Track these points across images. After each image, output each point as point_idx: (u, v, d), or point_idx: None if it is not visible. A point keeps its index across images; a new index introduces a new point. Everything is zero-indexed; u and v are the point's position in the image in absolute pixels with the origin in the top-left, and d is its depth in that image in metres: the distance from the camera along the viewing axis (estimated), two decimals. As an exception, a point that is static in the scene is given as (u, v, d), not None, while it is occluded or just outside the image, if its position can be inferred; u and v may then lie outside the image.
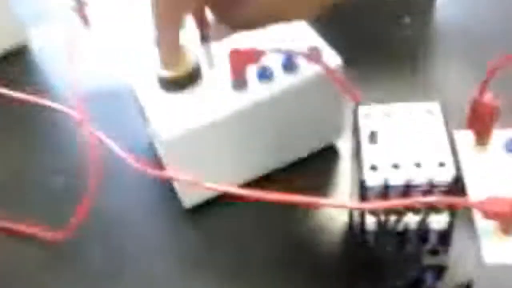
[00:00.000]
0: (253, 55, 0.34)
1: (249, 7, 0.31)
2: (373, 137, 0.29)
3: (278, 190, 0.29)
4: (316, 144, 0.40)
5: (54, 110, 0.44)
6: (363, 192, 0.27)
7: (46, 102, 0.44)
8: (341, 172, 0.39)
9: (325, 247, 0.36)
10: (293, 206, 0.36)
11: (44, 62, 0.52)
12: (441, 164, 0.27)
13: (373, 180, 0.27)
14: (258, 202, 0.35)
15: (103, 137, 0.35)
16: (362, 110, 0.30)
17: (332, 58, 0.35)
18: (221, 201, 0.38)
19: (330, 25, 0.39)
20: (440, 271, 0.30)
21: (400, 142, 0.28)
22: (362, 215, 0.28)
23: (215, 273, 0.35)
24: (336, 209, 0.37)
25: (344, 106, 0.38)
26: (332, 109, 0.38)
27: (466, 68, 0.43)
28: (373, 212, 0.28)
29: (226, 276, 0.35)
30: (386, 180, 0.27)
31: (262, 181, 0.38)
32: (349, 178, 0.36)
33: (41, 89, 0.47)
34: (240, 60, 0.34)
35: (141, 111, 0.38)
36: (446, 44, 0.47)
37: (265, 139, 0.37)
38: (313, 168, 0.39)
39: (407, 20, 0.48)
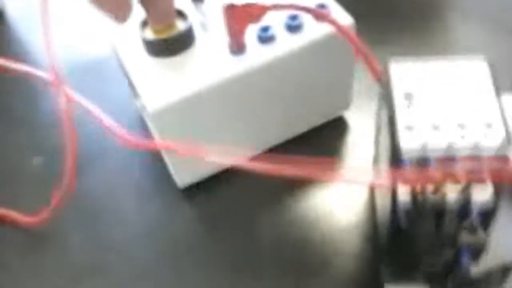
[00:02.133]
0: (252, 12, 0.29)
1: None
2: (408, 96, 0.25)
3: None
4: (324, 116, 0.36)
5: (31, 80, 0.38)
6: (396, 162, 0.23)
7: (21, 68, 0.38)
8: (349, 146, 0.35)
9: (342, 227, 0.32)
10: (299, 182, 0.33)
11: (20, 30, 0.48)
12: (489, 125, 0.23)
13: (409, 144, 0.23)
14: (259, 180, 0.31)
15: (83, 102, 0.30)
16: (395, 66, 0.26)
17: (343, 17, 0.31)
18: (217, 180, 0.34)
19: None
20: (478, 251, 0.26)
21: (439, 103, 0.24)
22: (392, 186, 0.24)
23: (213, 259, 0.32)
24: (351, 185, 0.33)
25: (354, 72, 0.34)
26: (342, 76, 0.34)
27: (489, 30, 0.39)
28: (407, 182, 0.23)
29: (225, 262, 0.31)
30: (423, 144, 0.23)
31: (262, 157, 0.34)
32: (360, 153, 0.32)
33: (17, 58, 0.43)
34: (237, 18, 0.29)
35: (128, 80, 0.33)
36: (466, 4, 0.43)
37: (267, 110, 0.33)
38: (321, 142, 0.35)
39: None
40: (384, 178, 0.25)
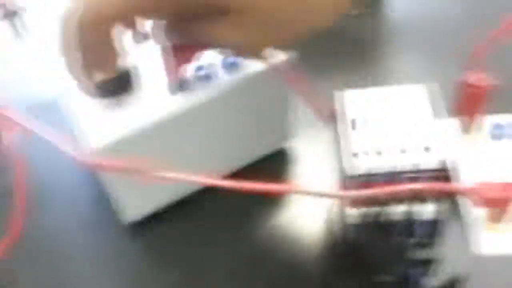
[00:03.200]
0: (188, 52, 0.30)
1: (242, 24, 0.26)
2: (355, 123, 0.27)
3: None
4: (265, 148, 0.37)
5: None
6: (345, 181, 0.25)
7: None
8: (296, 176, 0.37)
9: (298, 248, 0.33)
10: (249, 213, 0.34)
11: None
12: (428, 149, 0.25)
13: (355, 168, 0.25)
14: (207, 212, 0.33)
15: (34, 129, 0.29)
16: (343, 94, 0.28)
17: (277, 54, 0.32)
18: (163, 215, 0.35)
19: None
20: (428, 265, 0.28)
21: (383, 127, 0.26)
22: (342, 207, 0.26)
23: None
24: (304, 208, 0.34)
25: (292, 105, 0.35)
26: (280, 109, 0.35)
27: (423, 59, 0.41)
28: (355, 203, 0.25)
29: None
30: (368, 168, 0.25)
31: (208, 190, 0.35)
32: (304, 182, 0.33)
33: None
34: (174, 58, 0.30)
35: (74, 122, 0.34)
36: (401, 36, 0.45)
37: (207, 145, 0.34)
38: (264, 174, 0.36)
39: (359, 11, 0.46)
40: (333, 199, 0.26)
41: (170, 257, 0.34)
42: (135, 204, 0.34)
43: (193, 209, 0.35)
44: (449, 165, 0.29)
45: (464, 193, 0.26)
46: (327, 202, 0.32)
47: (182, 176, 0.26)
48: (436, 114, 0.27)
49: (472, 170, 0.28)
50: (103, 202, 0.35)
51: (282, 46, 0.27)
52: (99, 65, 0.30)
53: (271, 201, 0.35)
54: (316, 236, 0.33)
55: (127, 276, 0.33)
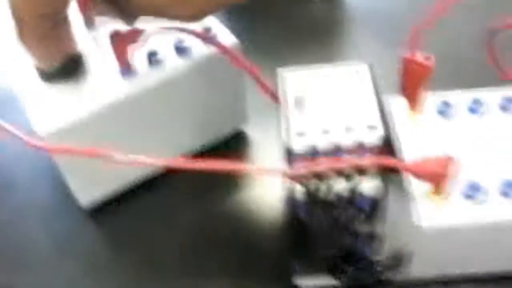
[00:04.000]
0: (136, 37, 0.30)
1: None
2: (298, 101, 0.27)
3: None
4: (221, 131, 0.37)
5: None
6: (290, 159, 0.25)
7: None
8: (253, 159, 0.37)
9: (257, 224, 0.34)
10: (205, 195, 0.35)
11: None
12: (370, 126, 0.26)
13: (300, 146, 0.25)
14: (163, 195, 0.35)
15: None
16: (285, 74, 0.28)
17: (227, 38, 0.33)
18: (121, 199, 0.35)
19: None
20: (373, 238, 0.28)
21: (325, 105, 0.27)
22: (289, 184, 0.26)
23: (127, 274, 0.33)
24: (264, 187, 0.35)
25: (245, 89, 0.36)
26: (233, 92, 0.36)
27: (372, 40, 0.42)
28: (301, 180, 0.26)
29: (138, 274, 0.33)
30: (313, 145, 0.25)
31: (165, 174, 0.36)
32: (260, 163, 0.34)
33: None
34: (122, 43, 0.30)
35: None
36: (356, 21, 0.46)
37: (160, 129, 0.34)
38: (219, 157, 0.37)
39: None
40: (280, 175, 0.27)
41: (128, 239, 0.34)
42: (91, 189, 0.34)
43: (150, 192, 0.36)
44: (393, 141, 0.30)
45: (403, 168, 0.27)
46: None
47: (137, 158, 0.26)
48: (379, 92, 0.27)
49: (417, 146, 0.30)
50: (62, 187, 0.35)
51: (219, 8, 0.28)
52: (44, 56, 0.30)
53: (228, 184, 0.36)
54: (273, 216, 0.34)
55: (87, 258, 0.34)
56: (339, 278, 0.29)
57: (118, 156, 0.26)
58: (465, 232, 0.28)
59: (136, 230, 0.35)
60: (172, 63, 0.32)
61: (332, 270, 0.29)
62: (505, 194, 0.28)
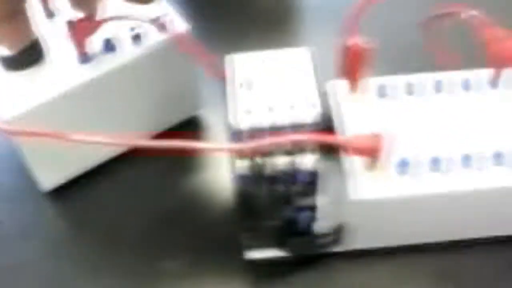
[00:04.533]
0: (90, 25, 0.32)
1: None
2: (244, 83, 0.29)
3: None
4: (176, 116, 0.39)
5: None
6: (235, 136, 0.27)
7: None
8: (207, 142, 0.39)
9: (212, 202, 0.36)
10: (163, 174, 0.37)
11: None
12: (310, 105, 0.28)
13: (244, 123, 0.27)
14: (122, 178, 0.36)
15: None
16: (233, 58, 0.30)
17: (180, 25, 0.35)
18: (81, 181, 0.37)
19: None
20: (313, 210, 0.30)
21: (269, 87, 0.29)
22: (233, 160, 0.28)
23: (87, 255, 0.34)
24: (218, 168, 0.37)
25: (198, 74, 0.37)
26: (187, 78, 0.37)
27: (326, 30, 0.44)
28: (247, 156, 0.28)
29: (98, 255, 0.34)
30: (257, 123, 0.27)
31: (123, 157, 0.37)
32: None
33: None
34: (78, 31, 0.32)
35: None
36: (305, 10, 0.47)
37: (118, 113, 0.36)
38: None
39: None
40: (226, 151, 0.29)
41: (88, 221, 0.36)
42: (52, 172, 0.36)
43: (109, 175, 0.37)
44: (331, 120, 0.32)
45: (339, 143, 0.29)
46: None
47: (93, 137, 0.28)
48: (319, 74, 0.29)
49: (357, 125, 0.31)
50: (23, 170, 0.36)
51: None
52: (2, 43, 0.32)
53: (184, 166, 0.37)
54: (226, 196, 0.35)
55: (48, 241, 0.35)
56: (285, 250, 0.31)
57: (76, 136, 0.28)
58: (398, 204, 0.29)
59: (96, 212, 0.36)
60: (127, 49, 0.34)
61: (278, 242, 0.31)
62: (434, 168, 0.30)
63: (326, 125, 0.29)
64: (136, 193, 0.37)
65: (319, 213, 0.31)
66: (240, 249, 0.32)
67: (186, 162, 0.37)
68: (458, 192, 0.29)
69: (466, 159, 0.30)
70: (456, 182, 0.29)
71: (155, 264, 0.33)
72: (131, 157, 0.37)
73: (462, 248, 0.32)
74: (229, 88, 0.29)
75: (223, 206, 0.35)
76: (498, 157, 0.30)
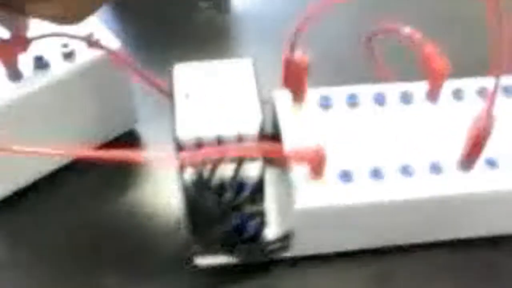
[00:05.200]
0: (18, 44, 0.31)
1: None
2: (187, 95, 0.29)
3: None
4: (111, 132, 0.38)
5: None
6: (179, 147, 0.27)
7: None
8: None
9: (160, 212, 0.35)
10: (104, 188, 0.36)
11: None
12: (251, 117, 0.28)
13: (186, 135, 0.27)
14: (62, 192, 0.36)
15: None
16: (175, 69, 0.30)
17: (112, 42, 0.34)
18: (14, 197, 0.35)
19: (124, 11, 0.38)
20: (260, 218, 0.30)
21: (213, 97, 0.29)
22: (180, 171, 0.28)
23: (24, 272, 0.33)
24: (161, 182, 0.36)
25: (133, 90, 0.37)
26: (120, 94, 0.37)
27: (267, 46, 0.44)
28: (190, 167, 0.28)
29: (38, 271, 0.33)
30: (199, 135, 0.27)
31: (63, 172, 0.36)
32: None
33: None
34: (7, 49, 0.31)
35: None
36: (244, 26, 0.47)
37: (52, 129, 0.34)
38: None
39: (204, 4, 0.48)
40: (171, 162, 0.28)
41: (27, 236, 0.34)
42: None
43: (49, 189, 0.36)
44: (274, 130, 0.32)
45: (281, 154, 0.29)
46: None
47: (34, 148, 0.27)
48: (260, 85, 0.29)
49: (299, 135, 0.31)
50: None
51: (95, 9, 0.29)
52: None
53: (125, 180, 0.37)
54: (171, 208, 0.35)
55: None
56: (234, 257, 0.31)
57: (16, 147, 0.28)
58: (340, 212, 0.30)
59: (35, 226, 0.35)
60: (58, 66, 0.33)
61: (227, 249, 0.31)
62: (373, 177, 0.30)
63: (273, 133, 0.30)
64: (75, 207, 0.36)
65: (266, 220, 0.31)
66: (188, 258, 0.32)
67: (126, 175, 0.37)
68: (397, 200, 0.30)
69: (405, 169, 0.30)
70: (395, 190, 0.30)
71: (93, 281, 0.32)
72: (71, 170, 0.36)
73: (398, 253, 0.33)
74: (172, 99, 0.29)
75: (167, 218, 0.35)
76: (434, 167, 0.31)
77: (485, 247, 0.33)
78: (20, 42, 0.31)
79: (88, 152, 0.28)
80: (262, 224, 0.31)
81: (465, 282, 0.33)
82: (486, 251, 0.33)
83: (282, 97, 0.33)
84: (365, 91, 0.34)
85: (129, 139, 0.39)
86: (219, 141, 0.27)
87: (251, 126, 0.27)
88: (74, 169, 0.36)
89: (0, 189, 0.35)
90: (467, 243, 0.33)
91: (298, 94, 0.33)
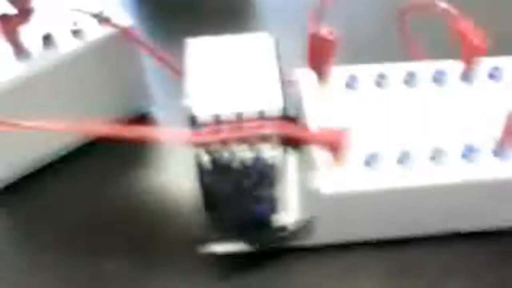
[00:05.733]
0: (23, 17, 0.30)
1: None
2: (203, 70, 0.27)
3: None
4: (124, 113, 0.36)
5: None
6: (194, 126, 0.25)
7: None
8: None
9: (177, 195, 0.34)
10: (119, 169, 0.35)
11: None
12: (271, 95, 0.26)
13: (203, 113, 0.25)
14: (74, 173, 0.34)
15: None
16: (191, 43, 0.28)
17: (123, 19, 0.33)
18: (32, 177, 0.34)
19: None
20: (276, 204, 0.29)
21: (230, 74, 0.27)
22: (196, 154, 0.26)
23: (36, 253, 0.32)
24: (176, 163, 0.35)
25: (145, 70, 0.35)
26: (133, 73, 0.35)
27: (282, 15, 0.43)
28: (206, 147, 0.26)
29: (54, 252, 0.32)
30: (216, 113, 0.25)
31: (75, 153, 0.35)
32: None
33: None
34: (11, 24, 0.30)
35: None
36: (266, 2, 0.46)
37: (61, 109, 0.33)
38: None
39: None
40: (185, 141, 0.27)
41: (40, 217, 0.33)
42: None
43: (57, 174, 0.35)
44: (298, 112, 0.30)
45: (303, 136, 0.27)
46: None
47: (44, 123, 0.26)
48: (281, 63, 0.27)
49: (323, 117, 0.29)
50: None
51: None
52: None
53: (140, 161, 0.36)
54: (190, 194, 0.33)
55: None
56: (248, 243, 0.30)
57: (26, 123, 0.26)
58: (364, 198, 0.28)
59: (48, 208, 0.34)
60: (67, 44, 0.32)
61: (241, 235, 0.29)
62: (401, 162, 0.28)
63: (294, 115, 0.28)
64: (87, 189, 0.34)
65: (282, 206, 0.29)
66: (203, 244, 0.30)
67: (139, 157, 0.35)
68: (426, 186, 0.28)
69: (436, 154, 0.28)
70: (425, 176, 0.28)
71: (99, 263, 0.31)
72: (76, 155, 0.35)
73: (422, 243, 0.31)
74: (186, 74, 0.27)
75: (181, 202, 0.34)
76: (468, 152, 0.28)
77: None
78: (24, 16, 0.30)
79: (99, 128, 0.26)
80: (277, 209, 0.29)
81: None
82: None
83: (306, 77, 0.31)
84: (395, 70, 0.32)
85: (145, 123, 0.37)
86: (237, 120, 0.25)
87: (273, 104, 0.26)
88: (86, 151, 0.35)
89: (10, 171, 0.34)
90: (498, 234, 0.31)
91: (323, 73, 0.31)
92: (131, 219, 0.33)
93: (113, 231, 0.32)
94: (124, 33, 0.32)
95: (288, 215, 0.30)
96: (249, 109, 0.25)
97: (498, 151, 0.28)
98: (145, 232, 0.32)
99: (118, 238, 0.32)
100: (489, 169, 0.28)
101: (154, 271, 0.31)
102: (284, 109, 0.26)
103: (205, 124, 0.25)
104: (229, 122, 0.25)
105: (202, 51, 0.28)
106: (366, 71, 0.32)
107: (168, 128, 0.30)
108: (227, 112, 0.25)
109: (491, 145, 0.29)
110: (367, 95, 0.31)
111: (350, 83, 0.31)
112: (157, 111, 0.38)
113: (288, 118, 0.26)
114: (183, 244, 0.31)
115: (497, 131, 0.28)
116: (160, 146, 0.36)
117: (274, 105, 0.25)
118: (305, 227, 0.30)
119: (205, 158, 0.26)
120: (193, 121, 0.25)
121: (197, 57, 0.28)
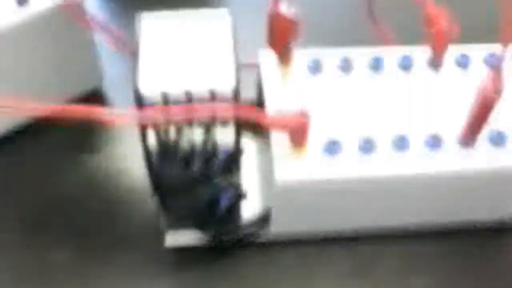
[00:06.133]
0: None
1: None
2: (154, 46, 0.25)
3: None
4: (73, 90, 0.35)
5: None
6: (140, 104, 0.23)
7: None
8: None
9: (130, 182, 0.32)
10: (66, 155, 0.33)
11: None
12: (225, 74, 0.24)
13: (151, 91, 0.23)
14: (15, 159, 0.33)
15: None
16: (143, 18, 0.26)
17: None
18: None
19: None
20: (234, 190, 0.27)
21: (183, 51, 0.25)
22: (143, 136, 0.24)
23: None
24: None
25: (95, 46, 0.34)
26: (81, 47, 0.33)
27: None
28: (154, 128, 0.24)
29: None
30: (165, 91, 0.23)
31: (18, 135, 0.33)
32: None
33: None
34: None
35: None
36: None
37: (5, 83, 0.31)
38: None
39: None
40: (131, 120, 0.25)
41: None
42: None
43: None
44: (260, 97, 0.29)
45: (259, 119, 0.25)
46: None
47: None
48: (236, 42, 0.25)
49: (283, 100, 0.28)
50: None
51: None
52: None
53: (89, 146, 0.34)
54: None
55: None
56: (205, 235, 0.29)
57: None
58: (322, 187, 0.27)
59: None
60: (11, 13, 0.30)
61: (197, 225, 0.28)
62: (363, 150, 0.27)
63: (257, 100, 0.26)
64: (31, 174, 0.33)
65: (245, 196, 0.28)
66: (147, 233, 0.30)
67: (87, 139, 0.34)
68: (388, 176, 0.27)
69: (399, 142, 0.27)
70: (387, 165, 0.27)
71: (44, 256, 0.30)
72: (21, 137, 0.33)
73: (378, 238, 0.30)
74: (136, 51, 0.25)
75: (132, 187, 0.32)
76: (432, 141, 0.27)
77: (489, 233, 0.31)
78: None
79: (43, 107, 0.24)
80: (237, 199, 0.28)
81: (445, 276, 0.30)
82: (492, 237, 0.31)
83: (267, 58, 0.29)
84: (361, 54, 0.30)
85: (95, 102, 0.35)
86: (188, 99, 0.24)
87: (226, 83, 0.24)
88: (31, 131, 0.33)
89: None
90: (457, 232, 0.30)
91: (284, 56, 0.29)
92: (78, 205, 0.31)
93: (52, 219, 0.31)
94: (70, 6, 0.30)
95: (248, 205, 0.29)
96: (200, 88, 0.23)
97: (463, 141, 0.27)
98: (93, 220, 0.31)
99: (64, 226, 0.31)
100: (454, 159, 0.27)
101: (98, 262, 0.30)
102: (237, 88, 0.24)
103: (153, 104, 0.23)
104: (178, 100, 0.23)
105: (156, 26, 0.26)
106: (330, 55, 0.30)
107: (116, 108, 0.29)
108: (175, 90, 0.23)
109: (456, 134, 0.27)
110: (331, 79, 0.30)
111: (313, 67, 0.30)
112: (108, 91, 0.36)
113: (238, 99, 0.24)
114: (132, 232, 0.30)
115: (463, 120, 0.27)
116: (110, 128, 0.34)
117: (226, 84, 0.24)
118: (262, 218, 0.28)
119: (152, 141, 0.25)
120: (139, 100, 0.23)
121: (149, 33, 0.26)
